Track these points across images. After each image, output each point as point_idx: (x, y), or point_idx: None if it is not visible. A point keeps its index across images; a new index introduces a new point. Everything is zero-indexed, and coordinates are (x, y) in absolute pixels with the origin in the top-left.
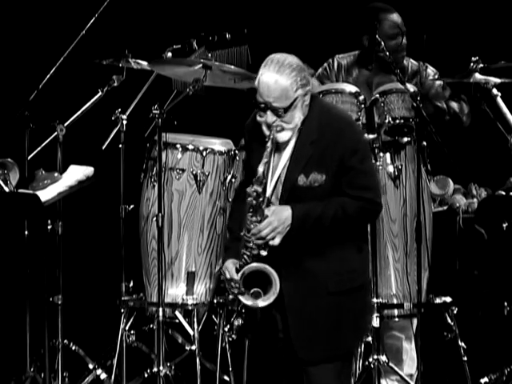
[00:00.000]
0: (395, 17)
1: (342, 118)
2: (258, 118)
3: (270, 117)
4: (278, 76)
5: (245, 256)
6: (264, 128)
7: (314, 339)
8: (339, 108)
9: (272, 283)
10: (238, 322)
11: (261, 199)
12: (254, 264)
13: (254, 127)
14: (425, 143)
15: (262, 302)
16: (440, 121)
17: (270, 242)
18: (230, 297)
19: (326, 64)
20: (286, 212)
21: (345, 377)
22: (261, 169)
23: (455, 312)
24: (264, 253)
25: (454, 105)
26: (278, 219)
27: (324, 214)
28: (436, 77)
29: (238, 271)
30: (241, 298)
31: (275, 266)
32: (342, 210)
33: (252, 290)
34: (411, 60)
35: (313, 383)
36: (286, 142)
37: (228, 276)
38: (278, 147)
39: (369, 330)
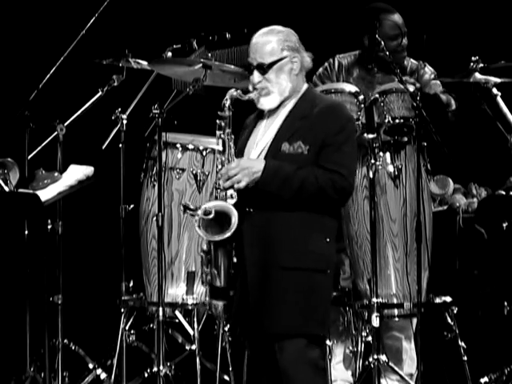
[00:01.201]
0: (396, 17)
1: (335, 102)
2: (249, 86)
3: (255, 76)
4: (264, 35)
5: None
6: (252, 93)
7: (269, 310)
8: (335, 99)
9: (230, 222)
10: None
11: (228, 131)
12: (216, 202)
13: (245, 126)
14: (425, 143)
15: (213, 236)
16: (444, 115)
17: (235, 185)
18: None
19: (326, 63)
20: (259, 162)
21: (312, 360)
22: (227, 101)
23: (455, 312)
24: (231, 200)
25: (443, 97)
26: (246, 162)
27: (295, 175)
28: (433, 76)
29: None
30: (197, 229)
31: (242, 232)
32: (314, 177)
33: (201, 211)
34: (411, 60)
35: (279, 360)
36: (276, 113)
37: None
38: (269, 117)
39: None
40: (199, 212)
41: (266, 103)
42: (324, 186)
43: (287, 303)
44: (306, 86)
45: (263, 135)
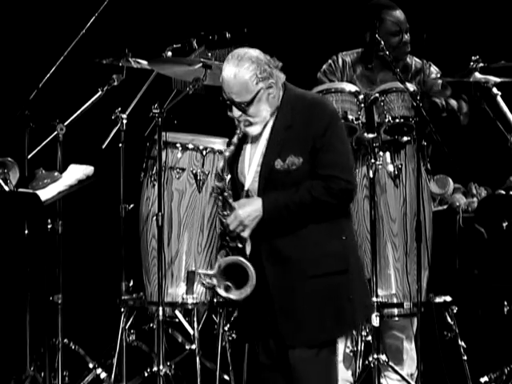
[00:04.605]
0: (398, 13)
1: (314, 100)
2: (229, 114)
3: (235, 112)
4: (236, 71)
5: (225, 251)
6: (236, 123)
7: (299, 324)
8: (312, 93)
9: (248, 276)
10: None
11: (225, 194)
12: (230, 257)
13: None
14: (425, 142)
15: (236, 295)
16: (436, 117)
17: (241, 234)
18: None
19: (330, 60)
20: (255, 204)
21: (330, 365)
22: (220, 164)
23: (455, 311)
24: (240, 245)
25: (453, 102)
26: (243, 212)
27: (291, 201)
28: (438, 76)
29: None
30: (217, 290)
31: (256, 256)
32: (309, 194)
33: (225, 284)
34: (415, 58)
35: (298, 369)
36: (259, 134)
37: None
38: (253, 139)
39: (361, 322)
40: (215, 271)
41: (250, 132)
42: (319, 197)
43: (313, 312)
44: (274, 92)
45: (253, 153)
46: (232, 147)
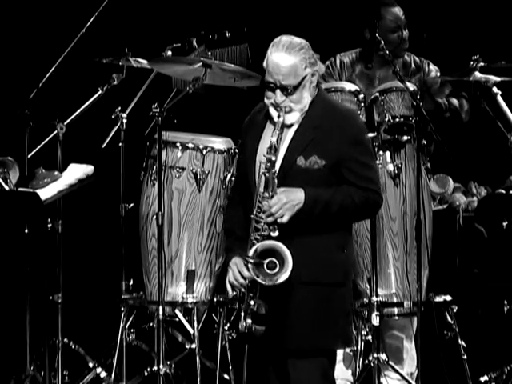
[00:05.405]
0: (396, 10)
1: (347, 109)
2: (266, 100)
3: (278, 96)
4: (287, 54)
5: (254, 241)
6: (271, 110)
7: (288, 329)
8: (343, 104)
9: (284, 261)
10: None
11: (273, 171)
12: (267, 242)
13: (249, 126)
14: (425, 142)
15: (273, 280)
16: (440, 117)
17: (278, 220)
18: (230, 294)
19: (328, 62)
20: (298, 192)
21: (325, 374)
22: (273, 138)
23: (455, 310)
24: (274, 233)
25: (455, 101)
26: (287, 196)
27: (333, 200)
28: (437, 74)
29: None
30: (258, 279)
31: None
32: (351, 198)
33: (267, 261)
34: (413, 56)
35: (294, 375)
36: (290, 126)
37: (236, 270)
38: (283, 131)
39: (351, 341)
40: (250, 254)
41: (288, 120)
42: (359, 205)
43: (306, 319)
44: (315, 81)
45: (280, 146)
46: (279, 125)
